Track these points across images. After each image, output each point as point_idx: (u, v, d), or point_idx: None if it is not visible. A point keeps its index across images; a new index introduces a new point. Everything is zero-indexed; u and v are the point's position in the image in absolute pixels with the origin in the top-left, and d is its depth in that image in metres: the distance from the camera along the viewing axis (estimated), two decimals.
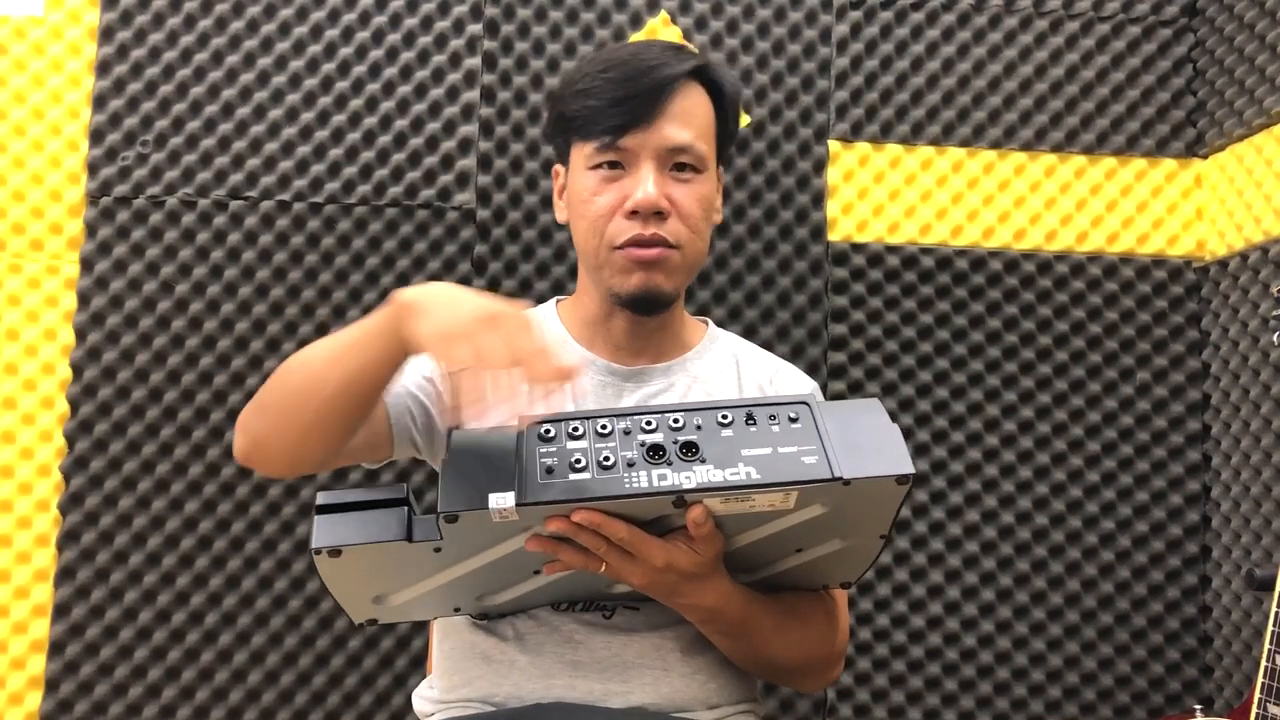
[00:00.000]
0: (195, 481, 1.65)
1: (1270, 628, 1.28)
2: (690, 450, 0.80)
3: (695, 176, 1.03)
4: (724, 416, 0.82)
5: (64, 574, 1.62)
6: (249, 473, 1.64)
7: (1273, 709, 1.27)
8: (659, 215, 1.01)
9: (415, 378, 1.05)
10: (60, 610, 1.61)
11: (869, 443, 0.81)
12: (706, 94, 1.06)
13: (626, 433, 0.82)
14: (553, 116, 1.09)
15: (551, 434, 0.82)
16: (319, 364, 0.92)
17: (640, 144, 1.00)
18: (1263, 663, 1.29)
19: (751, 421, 0.82)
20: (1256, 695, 1.30)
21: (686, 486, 0.78)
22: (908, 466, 0.80)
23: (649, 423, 0.82)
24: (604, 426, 0.82)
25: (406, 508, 0.80)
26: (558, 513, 0.79)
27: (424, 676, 1.12)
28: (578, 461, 0.79)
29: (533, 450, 0.81)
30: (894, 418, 1.75)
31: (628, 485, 0.78)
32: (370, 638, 1.64)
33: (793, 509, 0.82)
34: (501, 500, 0.77)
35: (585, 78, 1.03)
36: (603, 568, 0.84)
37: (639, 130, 1.00)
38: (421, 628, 1.64)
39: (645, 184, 1.00)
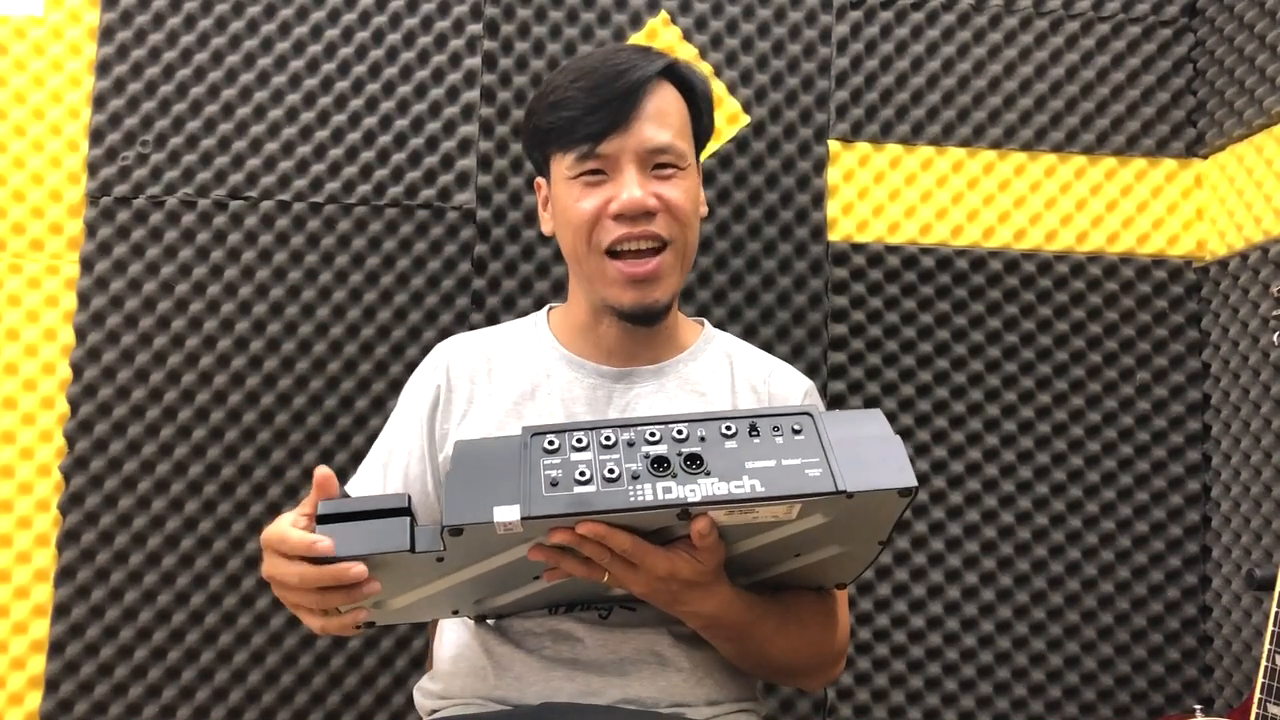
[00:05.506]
0: (195, 481, 1.65)
1: (1270, 628, 1.28)
2: (695, 462, 0.80)
3: (678, 173, 1.03)
4: (727, 428, 0.82)
5: (64, 574, 1.62)
6: (249, 472, 1.65)
7: (1273, 709, 1.27)
8: (647, 214, 1.01)
9: (414, 468, 1.09)
10: (60, 610, 1.61)
11: (872, 454, 0.81)
12: (678, 92, 1.06)
13: (630, 444, 0.81)
14: (529, 131, 1.08)
15: (555, 445, 0.81)
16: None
17: (620, 148, 1.00)
18: (1263, 663, 1.29)
19: (755, 433, 0.82)
20: (1256, 695, 1.30)
21: (692, 500, 0.78)
22: (910, 479, 0.80)
23: (653, 434, 0.82)
24: (608, 438, 0.82)
25: (409, 517, 0.80)
26: (563, 525, 0.79)
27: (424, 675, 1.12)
28: (582, 474, 0.79)
29: (536, 461, 0.80)
30: (894, 418, 1.76)
31: (633, 498, 0.78)
32: (370, 638, 1.64)
33: (795, 519, 0.82)
34: (506, 514, 0.77)
35: (557, 89, 1.03)
36: (605, 577, 0.84)
37: (617, 135, 1.00)
38: (421, 627, 1.64)
39: (630, 186, 1.00)
